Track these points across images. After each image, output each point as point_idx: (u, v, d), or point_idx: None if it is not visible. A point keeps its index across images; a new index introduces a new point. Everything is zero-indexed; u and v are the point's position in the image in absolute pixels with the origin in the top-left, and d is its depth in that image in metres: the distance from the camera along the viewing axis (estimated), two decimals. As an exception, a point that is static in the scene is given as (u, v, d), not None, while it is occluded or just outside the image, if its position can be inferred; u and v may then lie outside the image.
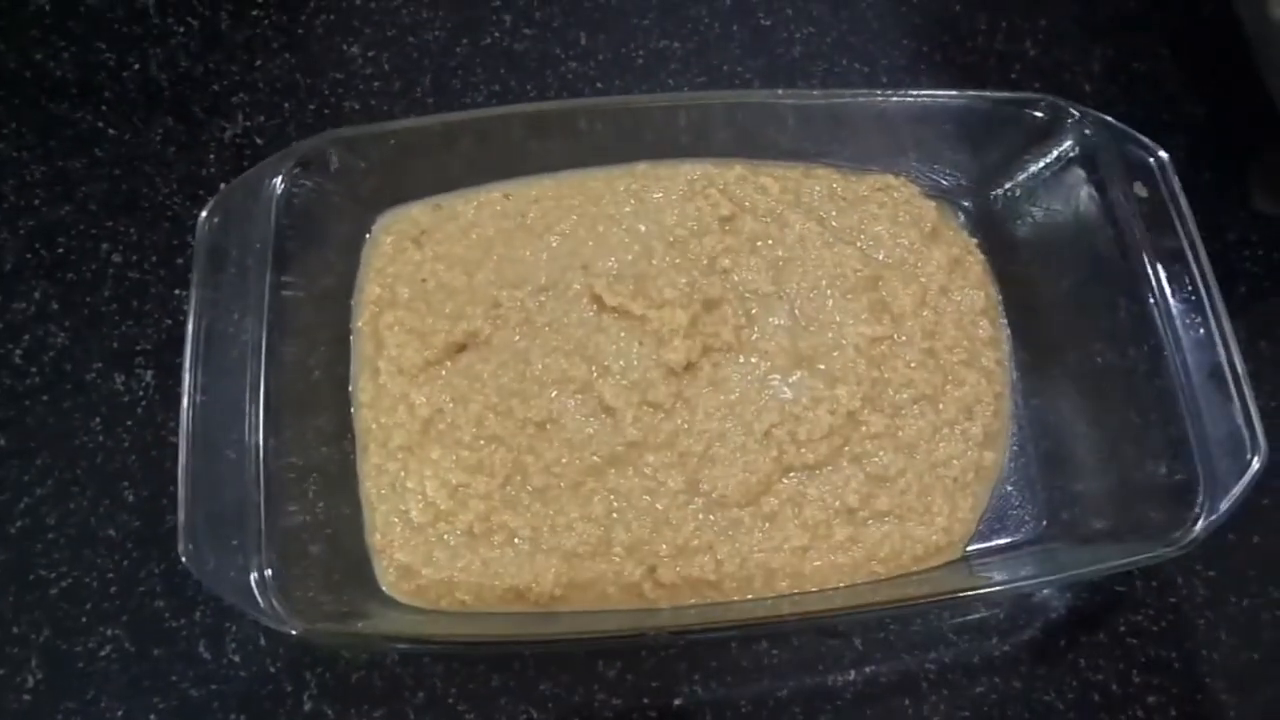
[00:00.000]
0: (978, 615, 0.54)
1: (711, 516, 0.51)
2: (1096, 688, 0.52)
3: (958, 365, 0.56)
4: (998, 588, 0.52)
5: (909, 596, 0.51)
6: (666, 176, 0.59)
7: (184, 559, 0.44)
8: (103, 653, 0.51)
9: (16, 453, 0.55)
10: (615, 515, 0.51)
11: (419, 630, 0.49)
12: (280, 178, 0.52)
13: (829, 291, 0.57)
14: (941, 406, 0.54)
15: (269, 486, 0.47)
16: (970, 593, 0.52)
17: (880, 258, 0.58)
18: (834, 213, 0.59)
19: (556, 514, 0.51)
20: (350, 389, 0.54)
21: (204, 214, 0.51)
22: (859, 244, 0.58)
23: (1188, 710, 0.52)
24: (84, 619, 0.52)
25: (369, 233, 0.58)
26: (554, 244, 0.57)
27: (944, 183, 0.61)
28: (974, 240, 0.60)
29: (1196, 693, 0.52)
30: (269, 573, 0.45)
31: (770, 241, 0.57)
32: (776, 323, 0.56)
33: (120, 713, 0.50)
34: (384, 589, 0.50)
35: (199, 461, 0.46)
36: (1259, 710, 0.52)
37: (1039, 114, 0.56)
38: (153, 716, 0.50)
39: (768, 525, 0.51)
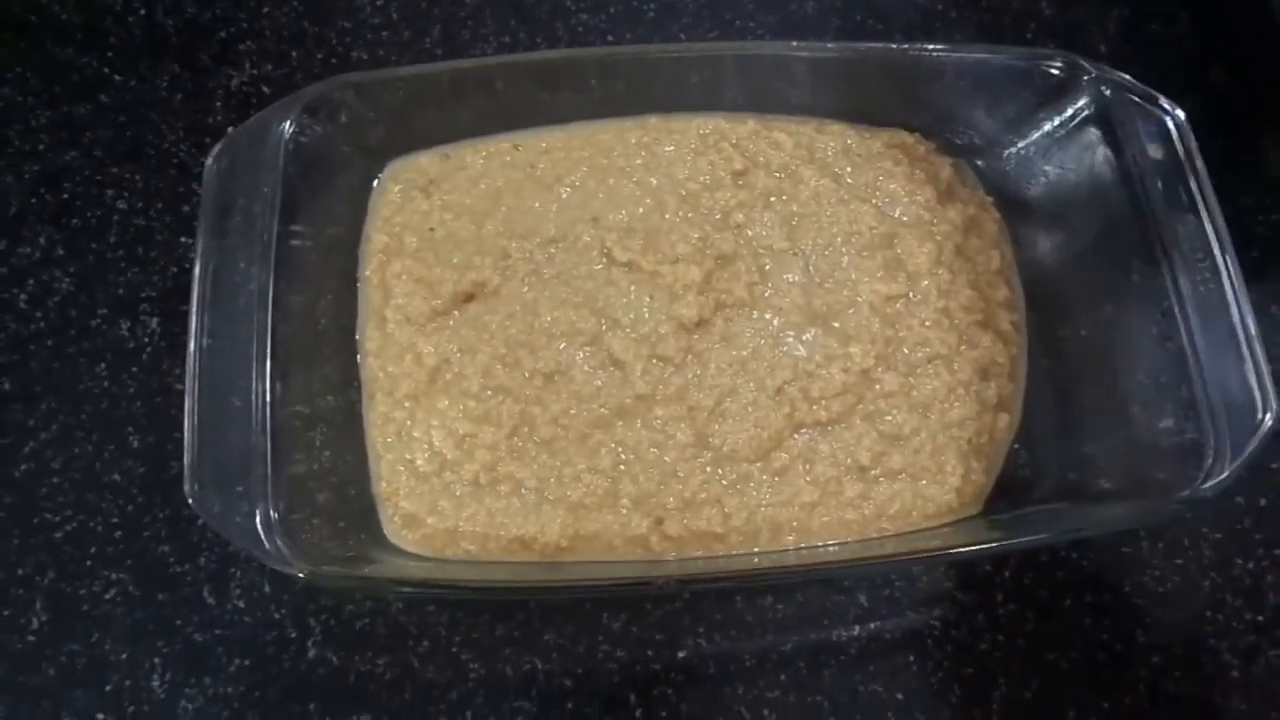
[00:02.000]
0: (984, 573, 0.54)
1: (720, 470, 0.51)
2: (1101, 647, 0.52)
3: (973, 326, 0.55)
4: (1004, 545, 0.52)
5: (914, 551, 0.51)
6: (678, 130, 0.59)
7: (190, 500, 0.44)
8: (107, 596, 0.51)
9: (21, 397, 0.55)
10: (623, 467, 0.51)
11: (424, 575, 0.49)
12: (288, 123, 0.52)
13: (844, 249, 0.56)
14: (956, 367, 0.54)
15: (275, 434, 0.47)
16: (977, 548, 0.51)
17: (896, 215, 0.58)
18: (848, 169, 0.58)
19: (563, 465, 0.51)
20: (357, 338, 0.54)
21: (210, 159, 0.50)
22: (874, 201, 0.58)
23: (1192, 672, 0.52)
24: (89, 563, 0.52)
25: (376, 181, 0.57)
26: (564, 195, 0.57)
27: (957, 141, 0.60)
28: (990, 199, 0.59)
29: (1201, 654, 0.52)
30: (274, 517, 0.45)
31: (784, 197, 0.57)
32: (790, 279, 0.55)
33: (124, 656, 0.50)
34: (389, 537, 0.50)
35: (205, 407, 0.46)
36: (1264, 673, 0.52)
37: (1054, 71, 0.55)
38: (156, 660, 0.50)
39: (777, 480, 0.51)
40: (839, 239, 0.56)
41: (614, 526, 0.50)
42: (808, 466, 0.51)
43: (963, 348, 0.55)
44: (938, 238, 0.57)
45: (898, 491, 0.51)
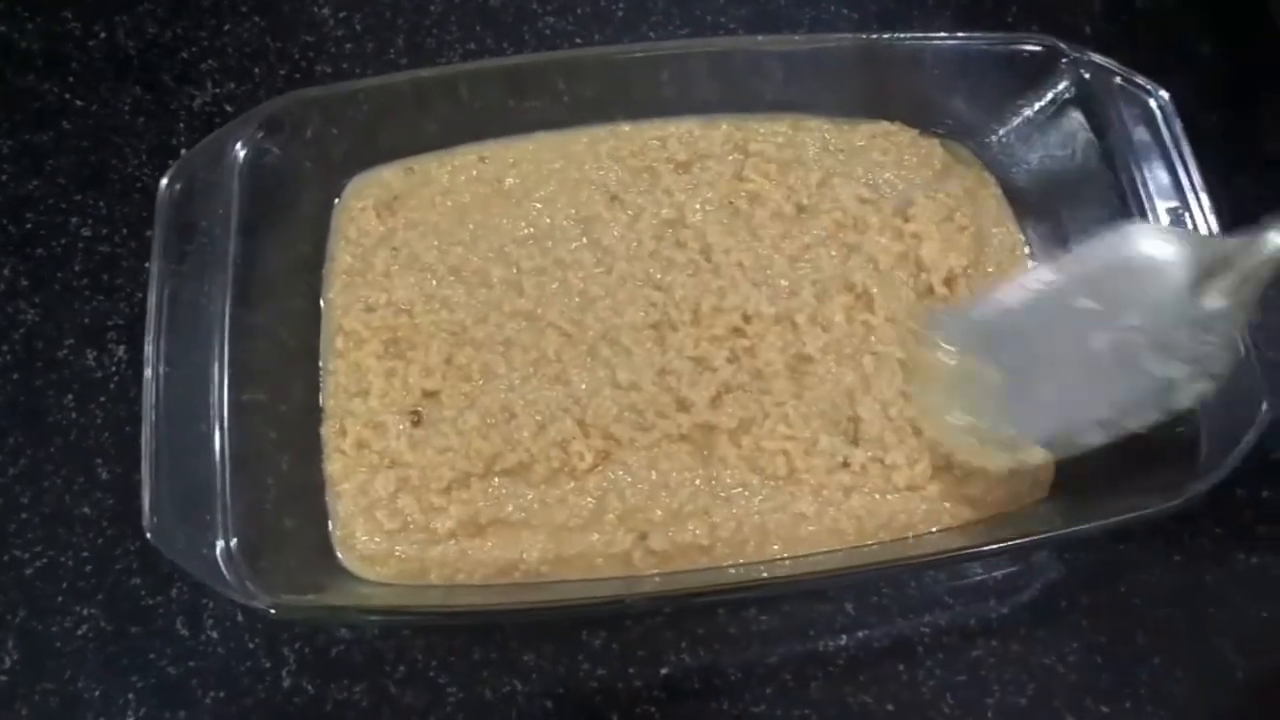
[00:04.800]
0: (975, 577, 0.52)
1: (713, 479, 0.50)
2: (1099, 649, 0.50)
3: None
4: (997, 546, 0.50)
5: (904, 557, 0.49)
6: (654, 136, 0.57)
7: (149, 535, 0.43)
8: (79, 632, 0.51)
9: (-12, 431, 0.54)
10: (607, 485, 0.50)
11: (394, 602, 0.48)
12: (243, 141, 0.51)
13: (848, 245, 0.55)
14: None
15: (239, 460, 0.46)
16: (966, 552, 0.50)
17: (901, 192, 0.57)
18: (835, 166, 0.57)
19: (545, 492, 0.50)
20: (320, 362, 0.53)
21: (164, 182, 0.49)
22: (866, 180, 0.56)
23: (1194, 670, 0.50)
24: (60, 598, 0.51)
25: (338, 198, 0.56)
26: (535, 211, 0.55)
27: (939, 131, 0.59)
28: (988, 173, 0.58)
29: (1203, 652, 0.51)
30: (235, 545, 0.44)
31: (773, 198, 0.56)
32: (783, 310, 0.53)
33: (98, 692, 0.50)
34: (352, 568, 0.49)
35: (163, 436, 0.45)
36: (1267, 669, 0.50)
37: (1031, 55, 0.54)
38: (131, 695, 0.50)
39: (768, 488, 0.50)
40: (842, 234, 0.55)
41: (597, 545, 0.49)
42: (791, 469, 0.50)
43: None
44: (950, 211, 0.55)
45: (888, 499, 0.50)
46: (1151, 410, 0.45)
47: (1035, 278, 0.50)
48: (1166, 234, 0.47)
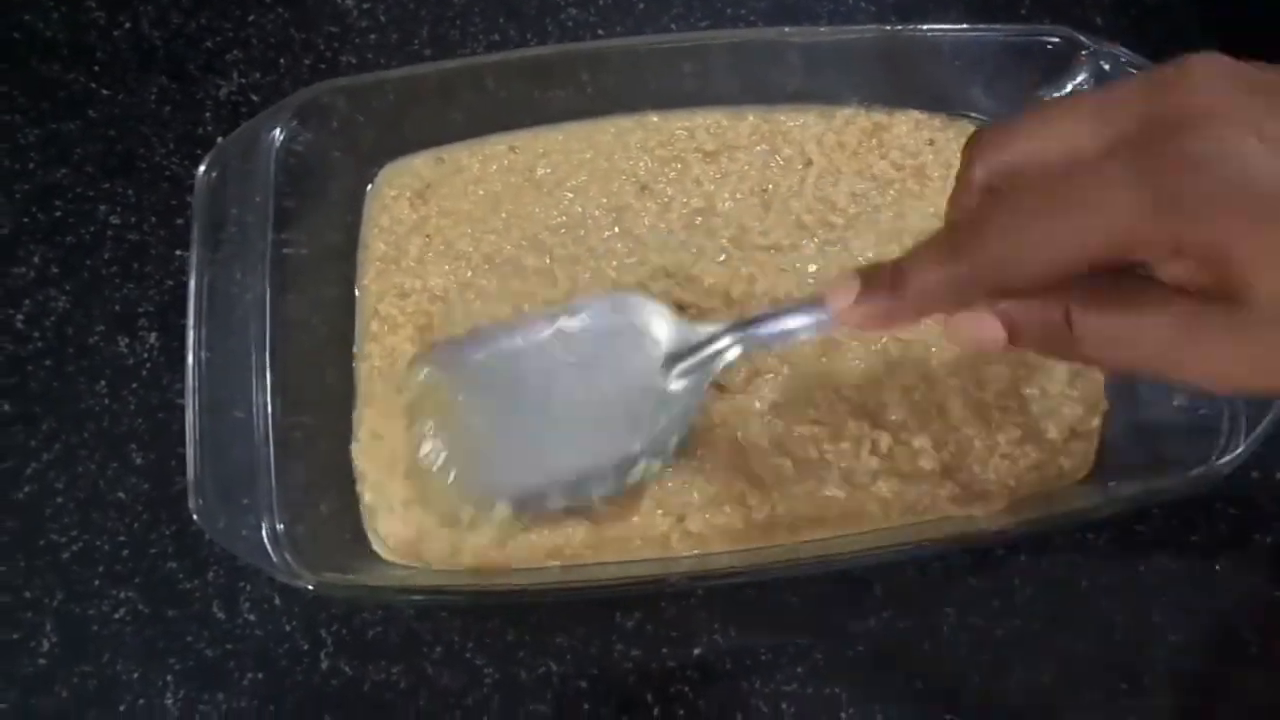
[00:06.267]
0: (997, 557, 0.53)
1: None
2: (1117, 628, 0.52)
3: None
4: (1017, 528, 0.52)
5: (929, 539, 0.50)
6: (682, 127, 0.58)
7: (195, 516, 0.44)
8: (117, 615, 0.51)
9: (21, 418, 0.55)
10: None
11: (431, 582, 0.48)
12: (278, 130, 0.51)
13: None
14: None
15: (277, 445, 0.47)
16: (989, 532, 0.51)
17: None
18: (865, 154, 0.58)
19: None
20: (355, 348, 0.54)
21: (201, 170, 0.50)
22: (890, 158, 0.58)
23: (1210, 650, 0.51)
24: (97, 582, 0.52)
25: (370, 185, 0.57)
26: (566, 200, 0.56)
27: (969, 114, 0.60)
28: None
29: (1219, 632, 0.52)
30: (280, 529, 0.45)
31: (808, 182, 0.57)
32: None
33: (136, 675, 0.50)
34: (384, 553, 0.50)
35: (206, 421, 0.46)
36: (1283, 645, 0.51)
37: (1051, 47, 0.55)
38: (169, 677, 0.50)
39: (799, 471, 0.50)
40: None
41: (635, 529, 0.49)
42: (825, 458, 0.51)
43: None
44: None
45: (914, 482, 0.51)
46: (610, 482, 0.46)
47: (531, 322, 0.50)
48: (658, 310, 0.48)
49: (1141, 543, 0.53)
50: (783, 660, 0.51)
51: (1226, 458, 0.46)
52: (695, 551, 0.49)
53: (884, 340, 0.53)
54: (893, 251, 0.54)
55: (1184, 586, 0.53)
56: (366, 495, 0.51)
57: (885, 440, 0.51)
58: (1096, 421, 0.52)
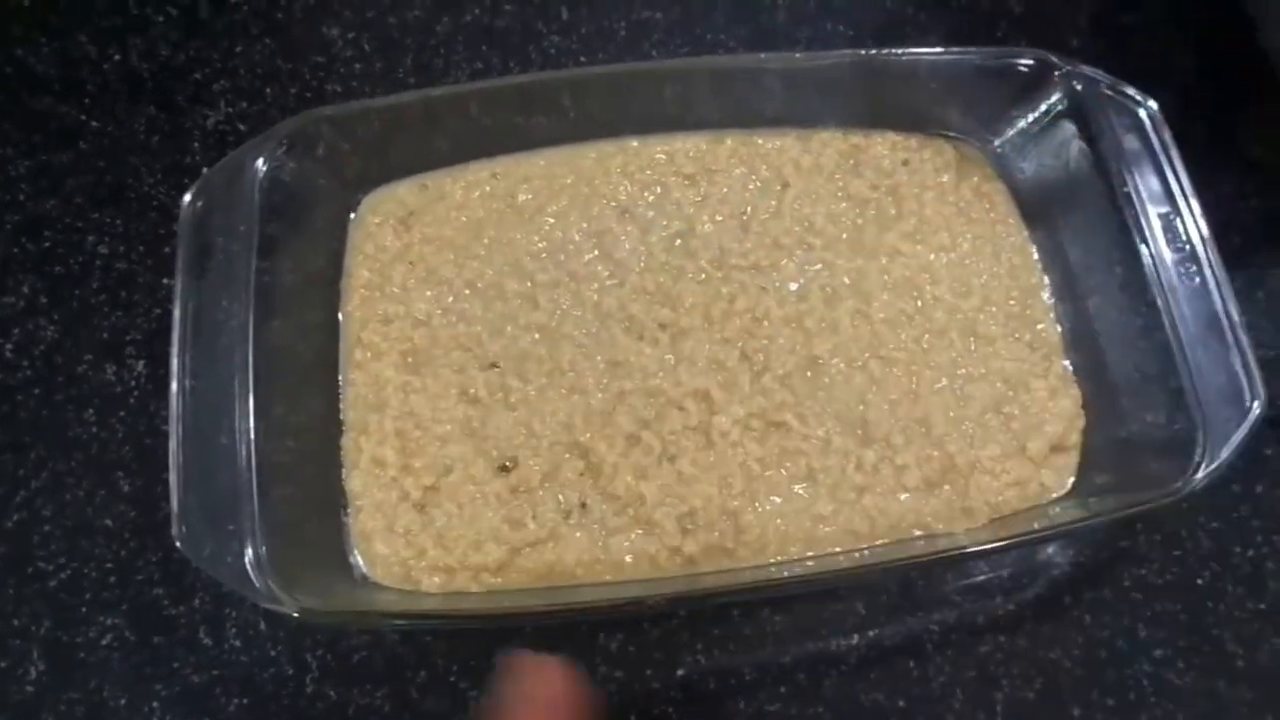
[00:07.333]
0: (981, 575, 0.53)
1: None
2: (1103, 644, 0.52)
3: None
4: (999, 545, 0.51)
5: (915, 555, 0.50)
6: (662, 151, 0.59)
7: (178, 543, 0.44)
8: (104, 642, 0.51)
9: (10, 446, 0.55)
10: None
11: (415, 607, 0.49)
12: (262, 159, 0.52)
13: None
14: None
15: (261, 471, 0.47)
16: (972, 550, 0.51)
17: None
18: (842, 175, 0.58)
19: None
20: (339, 375, 0.54)
21: (187, 199, 0.50)
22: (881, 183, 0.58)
23: (1195, 663, 0.51)
24: (84, 609, 0.52)
25: (354, 214, 0.57)
26: (548, 225, 0.57)
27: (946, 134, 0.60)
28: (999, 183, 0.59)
29: (1204, 645, 0.52)
30: (265, 555, 0.45)
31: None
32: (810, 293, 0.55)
33: (123, 701, 0.50)
34: (372, 575, 0.50)
35: (190, 448, 0.46)
36: (1267, 660, 0.51)
37: (1025, 68, 0.55)
38: (155, 704, 0.50)
39: (786, 489, 0.51)
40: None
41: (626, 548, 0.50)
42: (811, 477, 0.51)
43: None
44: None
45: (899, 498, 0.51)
46: None
47: None
48: None
49: (1124, 558, 0.54)
50: (766, 680, 0.51)
51: (1203, 472, 0.46)
52: (680, 572, 0.49)
53: (867, 356, 0.53)
54: (871, 270, 0.55)
55: (1169, 600, 0.53)
56: (361, 519, 0.51)
57: (870, 457, 0.51)
58: (1076, 437, 0.53)
